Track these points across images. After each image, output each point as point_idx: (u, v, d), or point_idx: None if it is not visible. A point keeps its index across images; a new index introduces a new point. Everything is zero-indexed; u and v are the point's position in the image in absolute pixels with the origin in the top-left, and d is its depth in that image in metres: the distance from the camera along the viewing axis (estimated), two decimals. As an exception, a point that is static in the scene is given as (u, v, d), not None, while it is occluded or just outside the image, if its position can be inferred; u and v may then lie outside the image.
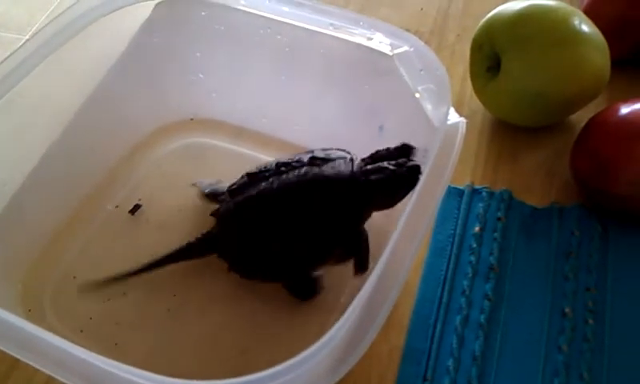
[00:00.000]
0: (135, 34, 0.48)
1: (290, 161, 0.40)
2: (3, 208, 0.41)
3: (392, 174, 0.37)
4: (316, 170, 0.39)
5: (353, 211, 0.38)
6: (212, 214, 0.42)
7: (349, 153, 0.40)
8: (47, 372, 0.28)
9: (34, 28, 1.66)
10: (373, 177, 0.38)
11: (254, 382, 0.25)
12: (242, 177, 0.42)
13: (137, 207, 0.46)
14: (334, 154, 0.40)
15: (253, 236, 0.40)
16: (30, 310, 0.40)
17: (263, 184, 0.39)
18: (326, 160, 0.39)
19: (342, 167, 0.39)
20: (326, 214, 0.38)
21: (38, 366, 0.28)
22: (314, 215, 0.38)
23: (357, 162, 0.39)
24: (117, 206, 0.46)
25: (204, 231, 0.42)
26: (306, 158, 0.40)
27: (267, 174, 0.40)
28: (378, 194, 0.38)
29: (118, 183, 0.48)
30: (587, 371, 0.37)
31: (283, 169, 0.40)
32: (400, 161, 0.38)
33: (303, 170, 0.39)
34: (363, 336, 0.28)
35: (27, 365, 0.28)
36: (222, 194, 0.42)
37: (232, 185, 0.42)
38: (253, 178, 0.41)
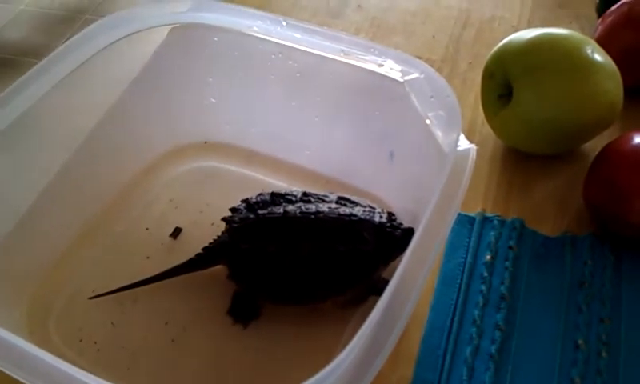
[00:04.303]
0: (150, 58, 0.48)
1: (317, 194, 0.41)
2: (13, 227, 0.41)
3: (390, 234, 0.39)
4: (347, 209, 0.39)
5: (373, 257, 0.39)
6: (224, 219, 0.42)
7: (374, 208, 0.40)
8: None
9: (53, 53, 1.68)
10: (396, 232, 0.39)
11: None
12: (261, 194, 0.42)
13: (177, 231, 0.46)
14: (362, 201, 0.41)
15: (268, 252, 0.39)
16: (32, 333, 0.40)
17: (290, 206, 0.40)
18: (354, 203, 0.40)
19: (372, 215, 0.39)
20: (348, 252, 0.38)
21: (40, 389, 0.28)
22: (336, 250, 0.38)
23: (383, 213, 0.40)
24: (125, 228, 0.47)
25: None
26: (334, 197, 0.41)
27: (293, 199, 0.40)
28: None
29: (128, 205, 0.48)
30: (601, 405, 0.36)
31: (312, 199, 0.40)
32: (394, 223, 0.39)
33: (333, 205, 0.40)
34: (370, 364, 0.28)
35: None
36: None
37: (248, 198, 0.41)
38: (277, 197, 0.41)
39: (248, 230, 0.40)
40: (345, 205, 0.40)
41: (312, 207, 0.39)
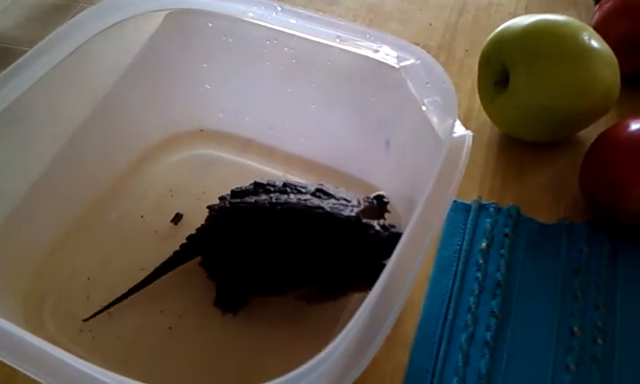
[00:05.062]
0: (144, 44, 0.48)
1: (296, 184, 0.40)
2: (7, 216, 0.41)
3: (375, 235, 0.37)
4: (316, 201, 0.39)
5: (339, 250, 0.37)
6: (208, 207, 0.42)
7: (349, 201, 0.39)
8: (44, 383, 0.27)
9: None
10: (366, 230, 0.37)
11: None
12: (251, 184, 0.42)
13: (179, 216, 0.46)
14: (340, 193, 0.40)
15: (238, 241, 0.39)
16: (27, 322, 0.39)
17: (264, 196, 0.39)
18: (329, 196, 0.39)
19: (342, 208, 0.38)
20: (307, 245, 0.38)
21: (35, 377, 0.27)
22: (297, 242, 0.38)
23: (359, 208, 0.39)
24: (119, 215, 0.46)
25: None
26: (312, 188, 0.40)
27: (272, 189, 0.40)
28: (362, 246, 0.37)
29: (123, 193, 0.48)
30: (596, 392, 0.36)
31: (288, 189, 0.40)
32: (387, 224, 0.38)
33: (306, 197, 0.39)
34: (365, 350, 0.28)
35: (25, 375, 0.28)
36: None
37: (238, 187, 0.41)
38: (258, 187, 0.41)
39: (223, 219, 0.40)
40: (319, 197, 0.39)
41: (282, 198, 0.39)
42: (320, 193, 0.40)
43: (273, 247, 0.38)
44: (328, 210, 0.38)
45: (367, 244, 0.37)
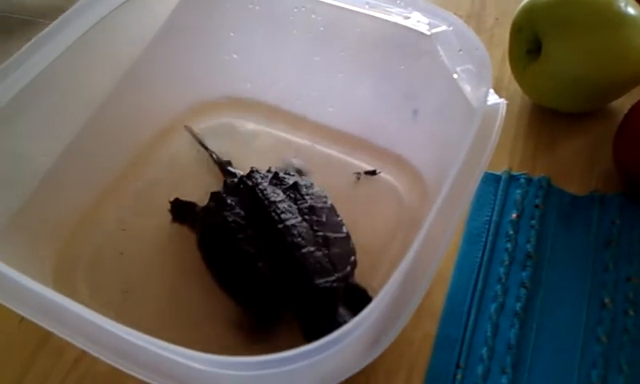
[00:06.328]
0: (170, 13, 0.48)
1: (305, 191, 0.39)
2: (37, 185, 0.41)
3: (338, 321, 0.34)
4: (311, 241, 0.36)
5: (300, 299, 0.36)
6: (212, 193, 0.41)
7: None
8: (79, 346, 0.28)
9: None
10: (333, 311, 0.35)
11: (286, 361, 0.25)
12: (269, 170, 0.41)
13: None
14: (340, 230, 0.38)
15: (235, 225, 0.38)
16: (59, 288, 0.40)
17: (237, 209, 0.39)
18: (327, 227, 0.38)
19: (321, 269, 0.35)
20: (284, 274, 0.36)
21: (70, 340, 0.28)
22: (275, 263, 0.36)
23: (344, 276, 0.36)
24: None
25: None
26: (321, 201, 0.39)
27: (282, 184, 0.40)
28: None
29: (150, 162, 0.48)
30: (627, 364, 0.35)
31: (291, 195, 0.39)
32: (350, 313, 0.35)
33: (303, 229, 0.37)
34: (395, 320, 0.28)
35: (59, 338, 0.28)
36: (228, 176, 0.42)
37: (252, 173, 0.41)
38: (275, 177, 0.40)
39: (208, 216, 0.40)
40: (317, 234, 0.37)
41: (288, 217, 0.37)
42: (318, 228, 0.37)
43: (249, 248, 0.37)
44: (310, 264, 0.35)
45: (318, 315, 0.35)
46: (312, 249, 0.36)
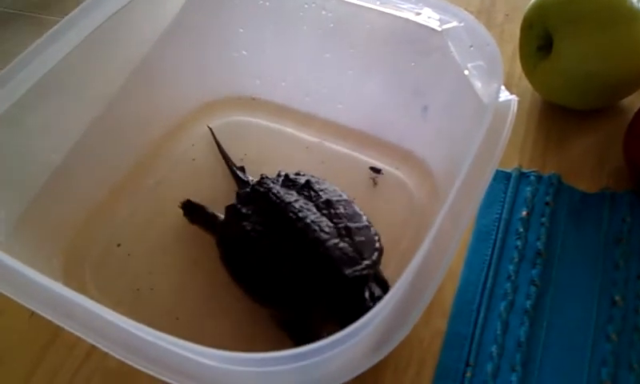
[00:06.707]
0: (179, 9, 0.48)
1: (317, 188, 0.39)
2: (47, 180, 0.41)
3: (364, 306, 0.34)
4: (334, 231, 0.36)
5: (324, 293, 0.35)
6: (227, 207, 0.41)
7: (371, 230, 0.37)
8: (90, 341, 0.28)
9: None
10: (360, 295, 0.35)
11: (297, 357, 0.25)
12: (279, 175, 0.41)
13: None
14: (362, 220, 0.38)
15: (255, 233, 0.38)
16: (69, 284, 0.40)
17: (254, 218, 0.38)
18: (351, 219, 0.37)
19: (348, 259, 0.35)
20: (305, 272, 0.35)
21: (80, 335, 0.28)
22: (297, 263, 0.36)
23: (370, 265, 0.35)
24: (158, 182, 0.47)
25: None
26: (335, 195, 0.38)
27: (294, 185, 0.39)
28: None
29: (160, 159, 0.48)
30: (637, 362, 0.35)
31: (305, 192, 0.39)
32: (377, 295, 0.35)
33: (322, 222, 0.36)
34: (406, 317, 0.27)
35: (70, 333, 0.28)
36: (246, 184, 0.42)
37: (262, 180, 0.40)
38: (287, 180, 0.40)
39: (231, 225, 0.39)
40: (337, 224, 0.37)
41: (307, 214, 0.37)
42: (337, 219, 0.37)
43: (272, 254, 0.37)
44: (337, 255, 0.35)
45: (351, 303, 0.34)
46: (336, 241, 0.36)
